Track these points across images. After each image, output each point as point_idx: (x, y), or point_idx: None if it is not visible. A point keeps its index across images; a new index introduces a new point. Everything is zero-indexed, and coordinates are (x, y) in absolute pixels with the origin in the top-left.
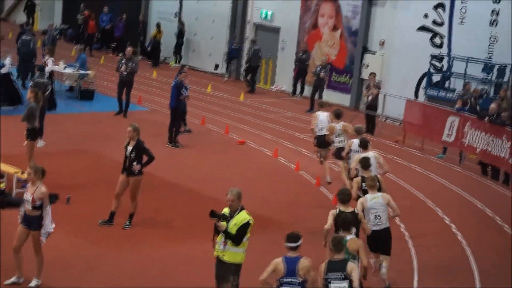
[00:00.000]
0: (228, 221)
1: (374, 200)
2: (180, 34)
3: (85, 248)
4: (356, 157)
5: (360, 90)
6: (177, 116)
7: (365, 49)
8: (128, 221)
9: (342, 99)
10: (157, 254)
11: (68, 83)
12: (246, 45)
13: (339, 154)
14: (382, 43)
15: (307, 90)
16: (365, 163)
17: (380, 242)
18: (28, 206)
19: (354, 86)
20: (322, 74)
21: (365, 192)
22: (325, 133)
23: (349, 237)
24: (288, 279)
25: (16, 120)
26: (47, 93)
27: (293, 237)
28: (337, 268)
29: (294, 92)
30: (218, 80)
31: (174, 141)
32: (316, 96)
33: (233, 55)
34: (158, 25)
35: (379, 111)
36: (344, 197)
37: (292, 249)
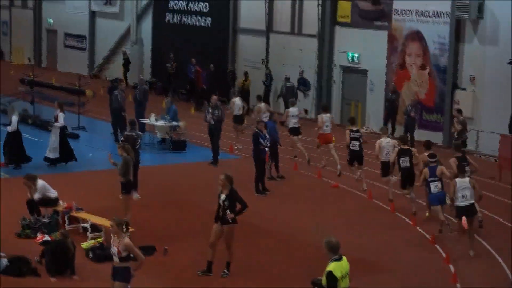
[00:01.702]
0: None
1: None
2: (268, 80)
3: None
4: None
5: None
6: (258, 166)
7: (455, 86)
8: (225, 270)
9: (434, 137)
10: None
11: (160, 135)
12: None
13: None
14: (472, 79)
15: (398, 130)
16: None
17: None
18: (115, 259)
19: (446, 124)
20: (412, 114)
21: None
22: (390, 159)
23: None
24: None
25: (109, 175)
26: (136, 145)
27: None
28: None
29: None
30: (308, 125)
31: (259, 190)
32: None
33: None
34: (245, 73)
35: (473, 147)
36: None
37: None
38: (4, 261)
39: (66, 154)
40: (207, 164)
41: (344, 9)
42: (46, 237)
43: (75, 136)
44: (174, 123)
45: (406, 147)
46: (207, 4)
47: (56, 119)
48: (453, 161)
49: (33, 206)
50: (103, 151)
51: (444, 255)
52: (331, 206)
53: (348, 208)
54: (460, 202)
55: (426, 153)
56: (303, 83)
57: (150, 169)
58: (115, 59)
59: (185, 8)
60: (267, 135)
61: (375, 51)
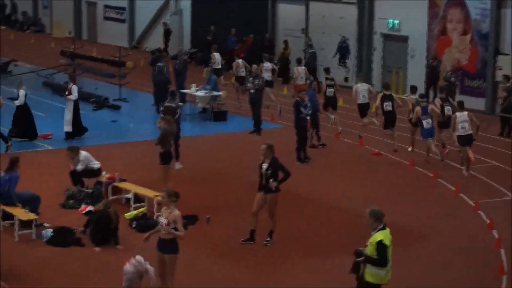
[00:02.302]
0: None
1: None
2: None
3: (227, 267)
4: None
5: (494, 94)
6: (299, 134)
7: (497, 52)
8: (268, 238)
9: (476, 103)
10: (298, 269)
11: (201, 105)
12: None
13: None
14: None
15: None
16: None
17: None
18: (163, 230)
19: (488, 90)
20: (452, 79)
21: None
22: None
23: None
24: None
25: (150, 145)
26: (177, 116)
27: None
28: None
29: (427, 100)
30: (348, 93)
31: (300, 159)
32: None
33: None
34: (285, 42)
35: None
36: None
37: None
38: (49, 232)
39: (80, 127)
40: (248, 134)
41: None
42: (90, 208)
43: (116, 108)
44: (215, 93)
45: (388, 92)
46: None
47: (70, 93)
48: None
49: (76, 177)
50: (144, 122)
51: (487, 221)
52: (372, 173)
53: (390, 175)
54: (460, 133)
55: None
56: (344, 49)
57: (191, 139)
58: (154, 30)
59: None
60: (308, 104)
61: (415, 18)
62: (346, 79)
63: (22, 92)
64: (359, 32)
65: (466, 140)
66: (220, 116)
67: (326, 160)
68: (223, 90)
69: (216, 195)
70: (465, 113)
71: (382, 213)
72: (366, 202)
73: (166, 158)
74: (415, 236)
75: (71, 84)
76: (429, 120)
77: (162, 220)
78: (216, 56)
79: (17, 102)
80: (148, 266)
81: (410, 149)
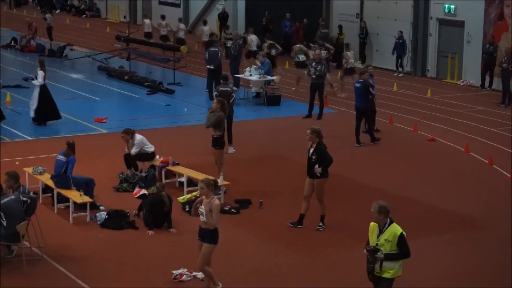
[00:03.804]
0: (378, 237)
1: None
2: (363, 34)
3: (277, 251)
4: None
5: None
6: (367, 116)
7: None
8: (320, 223)
9: None
10: (351, 255)
11: (255, 90)
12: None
13: None
14: None
15: (496, 83)
16: None
17: None
18: (202, 219)
19: None
20: (504, 65)
21: None
22: None
23: None
24: None
25: (204, 129)
26: (231, 100)
27: None
28: None
29: (482, 85)
30: (403, 79)
31: (374, 138)
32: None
33: (398, 50)
34: (340, 27)
35: None
36: None
37: None
38: (103, 215)
39: (47, 113)
40: (301, 118)
41: None
42: (144, 191)
43: (170, 92)
44: (269, 77)
45: None
46: None
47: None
48: None
49: (130, 160)
50: (198, 107)
51: None
52: (426, 159)
53: (444, 161)
54: None
55: None
56: (401, 46)
57: (245, 124)
58: (209, 14)
59: None
60: (374, 84)
61: (472, 2)
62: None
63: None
64: (414, 17)
65: None
66: (273, 100)
67: (381, 146)
68: (276, 74)
69: (270, 179)
70: None
71: (389, 207)
72: (422, 189)
73: (219, 142)
74: (469, 221)
75: (38, 69)
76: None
77: (202, 209)
78: (253, 38)
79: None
80: None
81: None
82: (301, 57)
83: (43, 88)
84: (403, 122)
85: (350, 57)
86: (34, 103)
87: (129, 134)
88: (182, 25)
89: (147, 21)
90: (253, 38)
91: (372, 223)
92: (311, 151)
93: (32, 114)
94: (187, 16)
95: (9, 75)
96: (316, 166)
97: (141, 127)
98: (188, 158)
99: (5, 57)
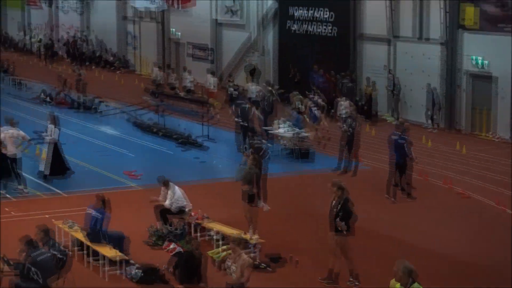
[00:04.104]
0: None
1: None
2: (394, 87)
3: None
4: None
5: None
6: (401, 170)
7: None
8: (350, 278)
9: None
10: None
11: (286, 144)
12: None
13: None
14: None
15: None
16: None
17: None
18: (232, 275)
19: None
20: None
21: None
22: None
23: None
24: None
25: (235, 184)
26: (264, 154)
27: None
28: None
29: None
30: (434, 133)
31: (409, 194)
32: None
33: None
34: (368, 79)
35: None
36: None
37: None
38: (139, 272)
39: (59, 168)
40: (334, 173)
41: (469, 13)
42: (179, 249)
43: (202, 146)
44: (301, 132)
45: None
46: (330, 12)
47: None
48: None
49: (162, 213)
50: (229, 161)
51: None
52: (461, 216)
53: (477, 219)
54: None
55: None
56: (431, 99)
57: (277, 179)
58: (239, 68)
59: (309, 16)
60: (407, 137)
61: (504, 57)
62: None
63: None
64: (444, 71)
65: None
66: (305, 155)
67: (415, 202)
68: (308, 129)
69: (303, 235)
70: None
71: (413, 267)
72: (457, 246)
73: (251, 198)
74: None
75: (48, 122)
76: None
77: (228, 263)
78: (252, 87)
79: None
80: None
81: None
82: (299, 105)
83: (56, 145)
84: (437, 177)
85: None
86: (48, 159)
87: (166, 184)
88: (213, 79)
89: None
90: (252, 87)
91: (393, 281)
92: (333, 204)
93: (46, 171)
94: (217, 69)
95: (41, 128)
96: (338, 220)
97: (172, 182)
98: (219, 213)
99: (38, 112)
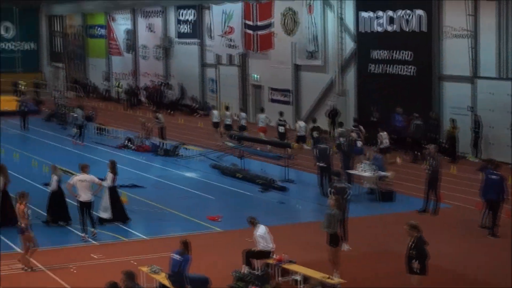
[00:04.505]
0: None
1: None
2: (476, 126)
3: None
4: None
5: None
6: (494, 208)
7: None
8: None
9: None
10: None
11: (368, 185)
12: None
13: None
14: None
15: None
16: None
17: None
18: None
19: None
20: None
21: None
22: None
23: None
24: None
25: (318, 227)
26: (347, 196)
27: None
28: None
29: None
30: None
31: (494, 233)
32: None
33: None
34: (452, 121)
35: None
36: None
37: None
38: None
39: (118, 214)
40: (416, 214)
41: None
42: None
43: (283, 189)
44: (382, 173)
45: None
46: (411, 52)
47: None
48: None
49: (247, 256)
50: (311, 203)
51: None
52: None
53: None
54: None
55: None
56: None
57: (359, 220)
58: (319, 111)
59: (389, 57)
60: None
61: None
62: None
63: (55, 178)
64: None
65: None
66: (387, 196)
67: (499, 240)
68: (389, 170)
69: (386, 276)
70: None
71: None
72: None
73: (334, 240)
74: None
75: (109, 170)
76: None
77: None
78: (301, 124)
79: (50, 188)
80: None
81: None
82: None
83: (112, 190)
84: None
85: (384, 137)
86: (106, 205)
87: (253, 224)
88: (302, 123)
89: (215, 112)
90: (301, 124)
91: None
92: (408, 246)
93: (106, 215)
94: (297, 112)
95: (125, 174)
96: (413, 261)
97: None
98: (302, 256)
99: (120, 157)
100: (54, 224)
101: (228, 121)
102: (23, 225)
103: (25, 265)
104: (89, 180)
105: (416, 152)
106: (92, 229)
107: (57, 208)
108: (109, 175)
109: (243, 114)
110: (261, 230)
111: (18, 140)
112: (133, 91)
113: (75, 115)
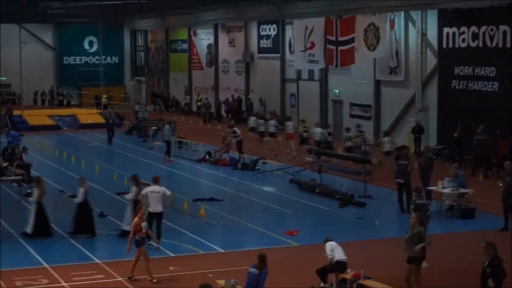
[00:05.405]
0: None
1: None
2: None
3: None
4: None
5: None
6: None
7: None
8: None
9: None
10: None
11: (448, 202)
12: None
13: None
14: None
15: None
16: None
17: None
18: None
19: None
20: None
21: None
22: None
23: None
24: None
25: (396, 243)
26: (428, 213)
27: None
28: None
29: None
30: None
31: None
32: None
33: None
34: None
35: None
36: None
37: None
38: None
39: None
40: (498, 232)
41: None
42: None
43: (362, 205)
44: (462, 190)
45: None
46: (494, 68)
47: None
48: None
49: (324, 273)
50: (389, 220)
51: None
52: None
53: None
54: None
55: None
56: None
57: (438, 237)
58: (400, 127)
59: (472, 73)
60: None
61: None
62: None
63: (81, 190)
64: None
65: None
66: (467, 213)
67: None
68: (470, 187)
69: None
70: None
71: None
72: None
73: (418, 259)
74: None
75: (133, 184)
76: None
77: None
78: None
79: (76, 200)
80: None
81: None
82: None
83: (136, 203)
84: None
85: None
86: (130, 218)
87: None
88: (386, 139)
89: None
90: (317, 131)
91: None
92: (485, 265)
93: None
94: (378, 128)
95: (203, 188)
96: (489, 280)
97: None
98: (379, 272)
99: (199, 171)
100: (79, 235)
101: (305, 135)
102: (138, 238)
103: (150, 277)
104: (161, 192)
105: (486, 168)
106: (156, 242)
107: (82, 221)
108: (133, 189)
109: (318, 130)
110: (332, 244)
111: (101, 152)
112: (215, 105)
113: (163, 133)
